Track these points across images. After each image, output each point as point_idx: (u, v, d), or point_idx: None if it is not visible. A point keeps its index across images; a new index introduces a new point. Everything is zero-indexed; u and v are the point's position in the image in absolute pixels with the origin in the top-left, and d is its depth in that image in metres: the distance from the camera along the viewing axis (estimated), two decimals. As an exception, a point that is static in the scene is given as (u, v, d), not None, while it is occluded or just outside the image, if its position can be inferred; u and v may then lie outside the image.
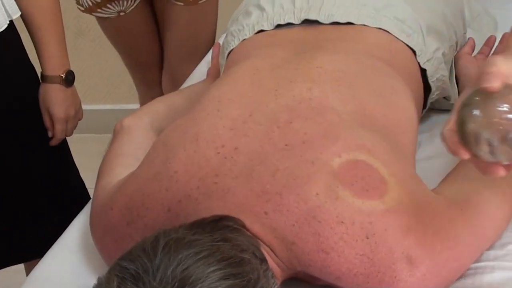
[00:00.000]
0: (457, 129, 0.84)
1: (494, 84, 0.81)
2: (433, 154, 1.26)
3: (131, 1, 1.88)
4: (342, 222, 0.90)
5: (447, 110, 1.39)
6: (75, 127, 1.55)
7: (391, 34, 1.25)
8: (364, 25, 1.25)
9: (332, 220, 0.90)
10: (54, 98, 1.47)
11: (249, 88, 1.09)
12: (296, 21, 1.29)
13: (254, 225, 0.91)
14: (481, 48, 1.50)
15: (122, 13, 1.90)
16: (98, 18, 1.97)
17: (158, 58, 2.03)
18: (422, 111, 1.32)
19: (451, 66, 1.41)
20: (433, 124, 1.36)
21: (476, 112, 0.83)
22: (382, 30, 1.25)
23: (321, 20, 1.27)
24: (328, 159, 0.95)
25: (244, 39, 1.33)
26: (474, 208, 1.00)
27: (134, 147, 1.21)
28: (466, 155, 0.84)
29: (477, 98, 0.84)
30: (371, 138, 1.00)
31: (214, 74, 1.50)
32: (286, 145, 0.97)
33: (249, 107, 1.04)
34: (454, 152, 0.86)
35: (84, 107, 1.60)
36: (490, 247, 1.03)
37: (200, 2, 1.88)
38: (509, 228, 1.05)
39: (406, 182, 0.97)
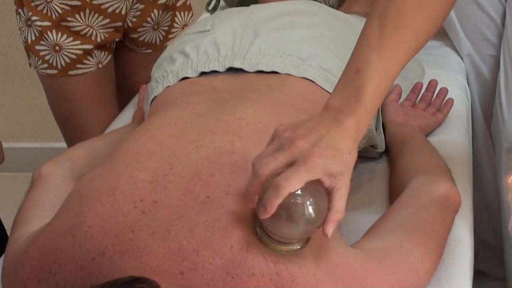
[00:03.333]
0: None
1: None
2: (358, 204, 1.25)
3: (105, 54, 1.76)
4: (253, 274, 0.88)
5: (374, 158, 1.40)
6: (-5, 170, 1.50)
7: (316, 83, 1.25)
8: (289, 74, 1.25)
9: (244, 273, 0.88)
10: None
11: (170, 139, 1.06)
12: (221, 69, 1.28)
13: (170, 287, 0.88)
14: (408, 95, 1.52)
15: (100, 65, 1.75)
16: (58, 77, 1.73)
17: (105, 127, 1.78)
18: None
19: (378, 113, 1.42)
20: (359, 172, 1.35)
21: None
22: (307, 80, 1.25)
23: (245, 68, 1.26)
24: (249, 210, 0.92)
25: (168, 86, 1.31)
26: (393, 261, 0.98)
27: (51, 196, 1.17)
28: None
29: None
30: None
31: (139, 117, 1.47)
32: (208, 197, 0.94)
33: (170, 160, 1.01)
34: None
35: (10, 145, 1.55)
36: (413, 302, 1.01)
37: (166, 44, 1.85)
38: (432, 282, 1.04)
39: (320, 238, 0.94)
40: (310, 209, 0.86)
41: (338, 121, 0.90)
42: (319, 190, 0.87)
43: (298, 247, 0.90)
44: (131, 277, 0.86)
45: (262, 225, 0.89)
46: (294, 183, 0.84)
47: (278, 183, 0.84)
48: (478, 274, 1.98)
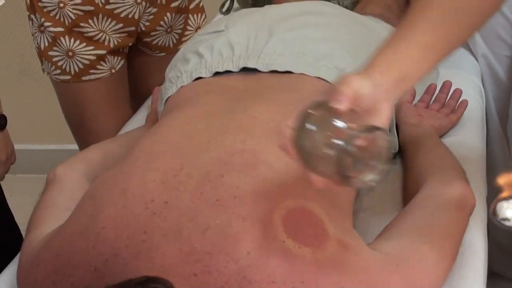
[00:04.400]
0: (293, 129, 0.85)
1: (342, 106, 0.83)
2: (372, 205, 1.24)
3: (118, 59, 1.76)
4: (273, 282, 0.87)
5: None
6: (7, 171, 1.51)
7: (330, 83, 1.24)
8: (303, 74, 1.24)
9: (263, 280, 0.87)
10: None
11: (181, 139, 1.06)
12: (235, 69, 1.28)
13: None
14: (422, 96, 1.51)
15: (113, 70, 1.74)
16: (75, 83, 1.73)
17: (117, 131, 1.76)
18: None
19: (392, 114, 1.41)
20: (373, 173, 1.35)
21: (312, 127, 0.84)
22: (321, 79, 1.25)
23: (259, 68, 1.26)
24: (259, 214, 0.92)
25: (182, 86, 1.31)
26: (410, 264, 0.98)
27: (66, 198, 1.17)
28: (293, 155, 0.85)
29: (318, 113, 0.85)
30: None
31: (153, 119, 1.48)
32: (217, 200, 0.94)
33: (181, 160, 1.01)
34: (282, 147, 0.86)
35: (26, 146, 1.56)
36: (427, 304, 1.01)
37: (179, 47, 1.83)
38: (446, 284, 1.03)
39: (343, 238, 0.95)
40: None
41: None
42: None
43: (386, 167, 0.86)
44: (145, 277, 0.86)
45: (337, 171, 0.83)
46: None
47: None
48: (493, 276, 1.97)
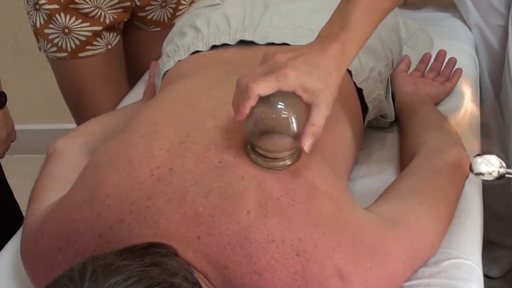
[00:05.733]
0: None
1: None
2: (369, 173, 1.26)
3: (113, 35, 1.77)
4: (273, 240, 0.89)
5: (384, 128, 1.41)
6: (7, 149, 1.51)
7: None
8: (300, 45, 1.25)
9: (263, 239, 0.89)
10: None
11: (185, 109, 1.07)
12: (232, 42, 1.29)
13: (187, 253, 0.89)
14: (417, 66, 1.53)
15: (109, 46, 1.76)
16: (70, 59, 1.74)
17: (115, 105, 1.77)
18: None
19: (387, 84, 1.43)
20: (370, 142, 1.37)
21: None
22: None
23: (256, 41, 1.27)
24: (256, 172, 0.94)
25: (180, 60, 1.32)
26: (407, 225, 1.00)
27: (67, 170, 1.18)
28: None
29: None
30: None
31: (150, 93, 1.49)
32: (220, 162, 0.96)
33: (186, 128, 1.02)
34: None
35: (22, 127, 1.56)
36: (424, 264, 1.03)
37: (175, 21, 1.84)
38: (443, 245, 1.05)
39: (337, 197, 0.97)
40: (283, 115, 0.91)
41: (322, 45, 0.94)
42: (296, 102, 0.91)
43: (289, 162, 0.94)
44: (148, 243, 0.88)
45: (252, 146, 0.94)
46: (262, 86, 0.88)
47: (248, 85, 0.88)
48: (489, 244, 2.00)
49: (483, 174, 0.84)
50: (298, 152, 0.96)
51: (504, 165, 0.81)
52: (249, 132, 0.93)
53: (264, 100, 0.90)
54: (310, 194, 0.94)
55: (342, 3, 0.99)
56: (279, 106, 0.90)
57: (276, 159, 0.95)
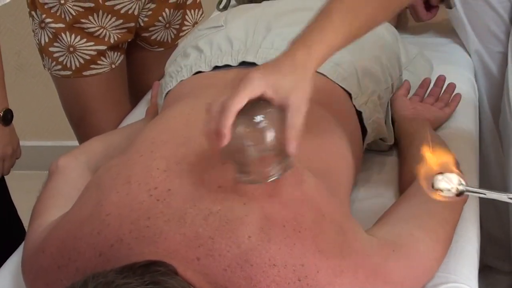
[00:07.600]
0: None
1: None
2: (368, 196, 1.27)
3: (117, 54, 1.78)
4: (275, 265, 0.90)
5: (383, 151, 1.42)
6: (12, 165, 1.53)
7: (327, 77, 1.27)
8: None
9: (265, 263, 0.90)
10: None
11: (184, 128, 1.08)
12: (234, 63, 1.30)
13: (186, 272, 0.90)
14: (416, 90, 1.54)
15: (113, 65, 1.77)
16: (73, 78, 1.75)
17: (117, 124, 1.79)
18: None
19: (387, 107, 1.44)
20: (369, 165, 1.38)
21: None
22: (318, 73, 1.27)
23: (258, 62, 1.29)
24: (260, 200, 0.95)
25: (182, 80, 1.33)
26: (406, 249, 1.01)
27: (69, 188, 1.20)
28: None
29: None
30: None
31: (153, 113, 1.50)
32: (219, 187, 0.97)
33: (183, 148, 1.03)
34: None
35: (23, 143, 1.58)
36: (422, 288, 1.04)
37: (177, 42, 1.87)
38: (440, 269, 1.06)
39: (342, 222, 0.98)
40: (262, 124, 0.90)
41: (288, 49, 0.96)
42: (271, 116, 0.90)
43: (280, 172, 0.93)
44: (148, 261, 0.89)
45: (239, 167, 0.93)
46: (235, 101, 0.88)
47: (223, 105, 0.89)
48: (486, 269, 2.01)
49: (442, 191, 0.86)
50: (286, 158, 0.94)
51: (464, 183, 0.83)
52: (233, 162, 0.92)
53: (239, 125, 0.89)
54: (317, 220, 0.95)
55: (320, 9, 1.00)
56: (246, 116, 0.90)
57: (267, 177, 0.93)
